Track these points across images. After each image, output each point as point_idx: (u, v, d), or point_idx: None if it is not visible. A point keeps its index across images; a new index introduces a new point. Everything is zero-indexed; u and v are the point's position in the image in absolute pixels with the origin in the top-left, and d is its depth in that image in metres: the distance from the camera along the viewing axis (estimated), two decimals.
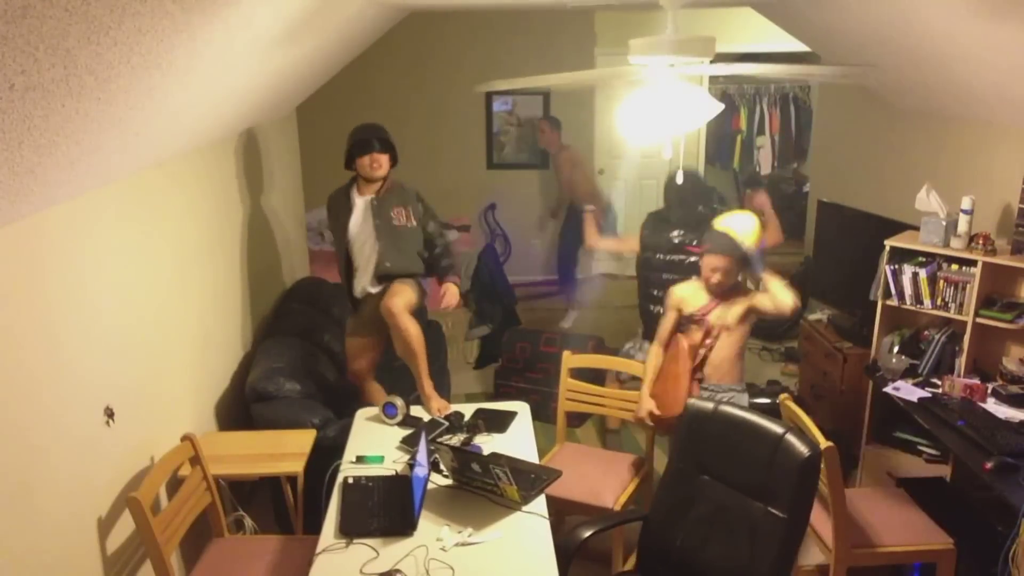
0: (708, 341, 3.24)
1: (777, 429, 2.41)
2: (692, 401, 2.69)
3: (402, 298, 3.50)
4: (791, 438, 2.36)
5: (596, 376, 4.06)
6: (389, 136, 3.64)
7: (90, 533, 2.49)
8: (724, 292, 3.24)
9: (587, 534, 2.63)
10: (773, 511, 2.37)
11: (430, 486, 2.70)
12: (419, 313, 3.66)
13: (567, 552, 2.54)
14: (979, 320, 3.41)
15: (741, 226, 3.20)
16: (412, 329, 3.47)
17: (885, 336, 3.79)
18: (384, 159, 3.59)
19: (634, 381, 3.65)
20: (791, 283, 3.23)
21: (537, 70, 2.97)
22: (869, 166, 5.07)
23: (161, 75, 2.07)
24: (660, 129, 2.46)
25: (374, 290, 3.66)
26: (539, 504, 2.63)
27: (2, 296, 2.05)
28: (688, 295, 3.34)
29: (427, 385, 3.46)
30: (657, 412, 3.28)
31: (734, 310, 3.22)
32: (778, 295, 3.12)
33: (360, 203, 3.62)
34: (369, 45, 5.93)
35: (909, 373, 3.60)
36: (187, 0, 1.78)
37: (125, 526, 2.63)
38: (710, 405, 2.62)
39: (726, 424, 2.55)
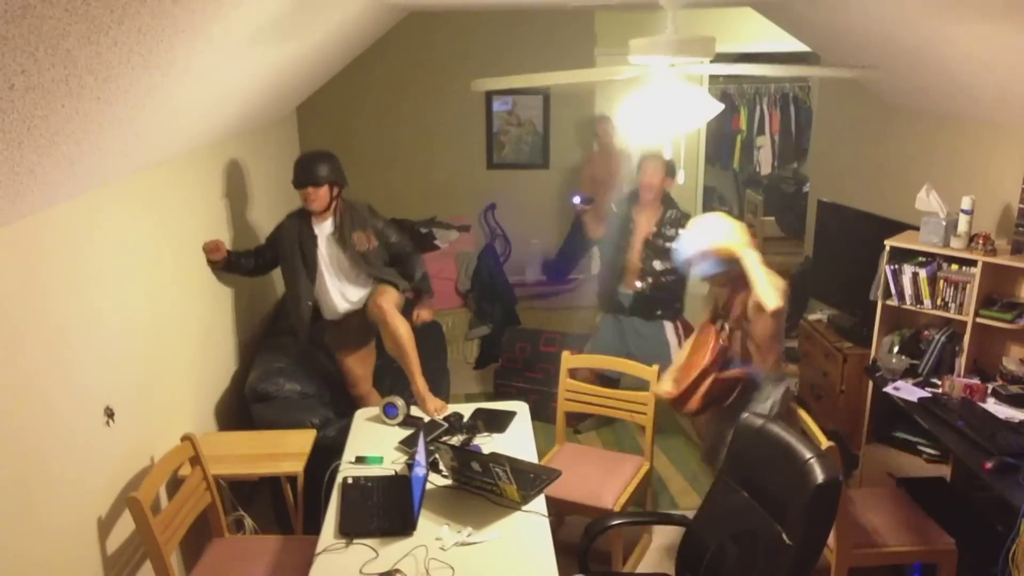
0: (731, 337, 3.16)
1: (806, 452, 2.26)
2: (745, 415, 2.56)
3: (390, 296, 3.58)
4: (814, 462, 2.20)
5: (612, 379, 4.08)
6: (332, 167, 3.53)
7: (90, 533, 2.49)
8: (735, 281, 3.16)
9: (618, 522, 2.73)
10: (784, 537, 2.24)
11: (429, 486, 2.70)
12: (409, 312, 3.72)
13: (592, 533, 2.66)
14: (979, 320, 3.41)
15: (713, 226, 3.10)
16: (402, 327, 3.52)
17: (885, 336, 3.79)
18: (320, 193, 3.50)
19: None
20: (789, 283, 3.19)
21: (537, 70, 2.97)
22: (869, 166, 5.06)
23: (161, 75, 2.07)
24: (660, 129, 2.46)
25: (352, 306, 3.72)
26: (539, 504, 2.63)
27: (2, 296, 2.05)
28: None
29: (421, 385, 3.46)
30: (672, 392, 3.15)
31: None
32: (759, 290, 2.93)
33: (320, 235, 3.61)
34: (369, 45, 5.93)
35: (909, 373, 3.60)
36: (187, 0, 1.78)
37: (125, 526, 2.63)
38: (758, 421, 2.50)
39: (768, 442, 2.42)
